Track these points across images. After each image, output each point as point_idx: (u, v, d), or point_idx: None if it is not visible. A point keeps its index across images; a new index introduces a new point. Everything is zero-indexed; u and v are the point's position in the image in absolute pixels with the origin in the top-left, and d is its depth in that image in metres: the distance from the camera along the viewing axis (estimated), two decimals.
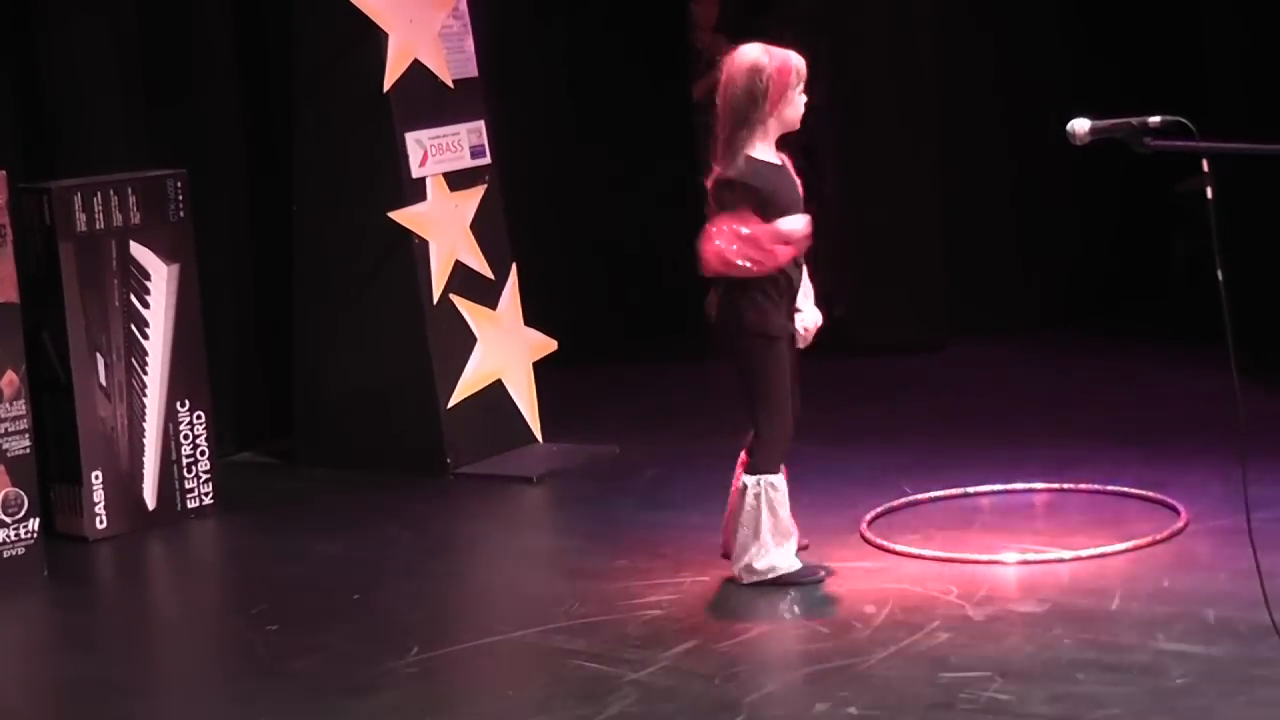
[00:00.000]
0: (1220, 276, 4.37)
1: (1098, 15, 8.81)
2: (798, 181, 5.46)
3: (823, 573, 5.44)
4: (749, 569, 5.41)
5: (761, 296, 5.35)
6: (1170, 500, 5.93)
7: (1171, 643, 4.83)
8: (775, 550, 5.41)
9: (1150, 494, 6.02)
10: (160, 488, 6.52)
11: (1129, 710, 4.43)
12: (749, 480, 5.42)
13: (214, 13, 7.37)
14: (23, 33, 6.86)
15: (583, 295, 8.62)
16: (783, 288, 5.39)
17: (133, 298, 6.47)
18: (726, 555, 5.52)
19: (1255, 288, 7.31)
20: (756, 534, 5.40)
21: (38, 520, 6.02)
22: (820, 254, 9.03)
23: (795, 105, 5.36)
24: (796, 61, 5.37)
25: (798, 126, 5.43)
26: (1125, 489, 6.10)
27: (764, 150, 5.36)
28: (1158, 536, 5.63)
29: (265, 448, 7.37)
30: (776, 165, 5.40)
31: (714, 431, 7.24)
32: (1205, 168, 4.36)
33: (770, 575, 5.41)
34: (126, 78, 7.09)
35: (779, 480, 5.45)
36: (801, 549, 5.57)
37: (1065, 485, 6.21)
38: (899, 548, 5.68)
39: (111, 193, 6.40)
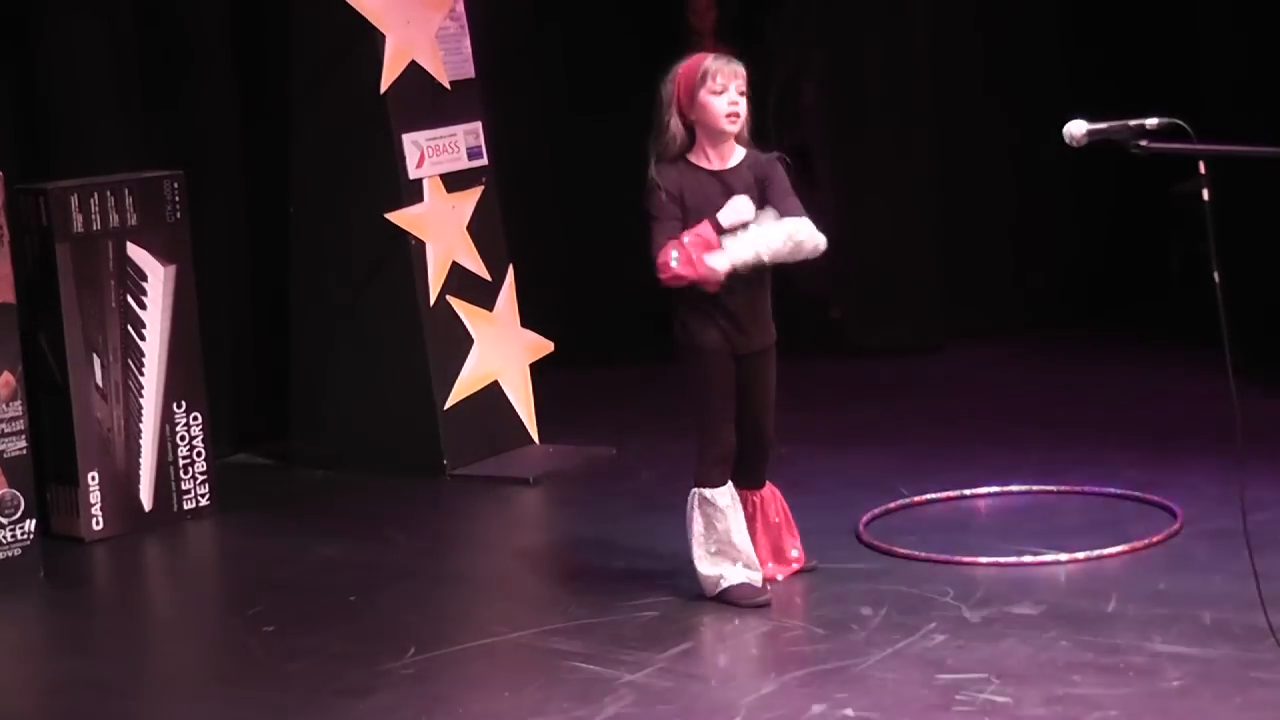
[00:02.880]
0: (1217, 278, 4.38)
1: (1094, 17, 8.82)
2: (732, 187, 5.25)
3: (762, 599, 5.30)
4: (698, 578, 5.35)
5: (688, 309, 5.29)
6: (1167, 502, 5.93)
7: (1168, 645, 4.83)
8: (710, 566, 5.32)
9: (1147, 496, 6.02)
10: (157, 489, 6.52)
11: (1125, 712, 4.43)
12: (693, 490, 5.37)
13: (211, 13, 7.37)
14: (20, 34, 6.86)
15: (580, 297, 8.62)
16: (718, 303, 5.25)
17: (129, 299, 6.47)
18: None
19: (1252, 289, 7.32)
20: (694, 544, 5.34)
21: (34, 521, 6.02)
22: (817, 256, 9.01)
23: (707, 107, 5.18)
24: (711, 62, 5.20)
25: (721, 128, 5.21)
26: (1122, 491, 6.10)
27: (697, 157, 5.25)
28: (1154, 539, 5.63)
29: (262, 449, 7.37)
30: (695, 169, 5.24)
31: None
32: (1202, 170, 4.36)
33: (709, 591, 5.33)
34: (123, 78, 7.09)
35: (719, 495, 5.33)
36: (808, 570, 5.54)
37: (1062, 487, 6.21)
38: (896, 549, 5.68)
39: (108, 194, 6.39)
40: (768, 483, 5.54)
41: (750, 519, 5.46)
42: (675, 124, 5.23)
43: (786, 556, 5.55)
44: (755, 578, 5.34)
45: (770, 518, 5.52)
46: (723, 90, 5.20)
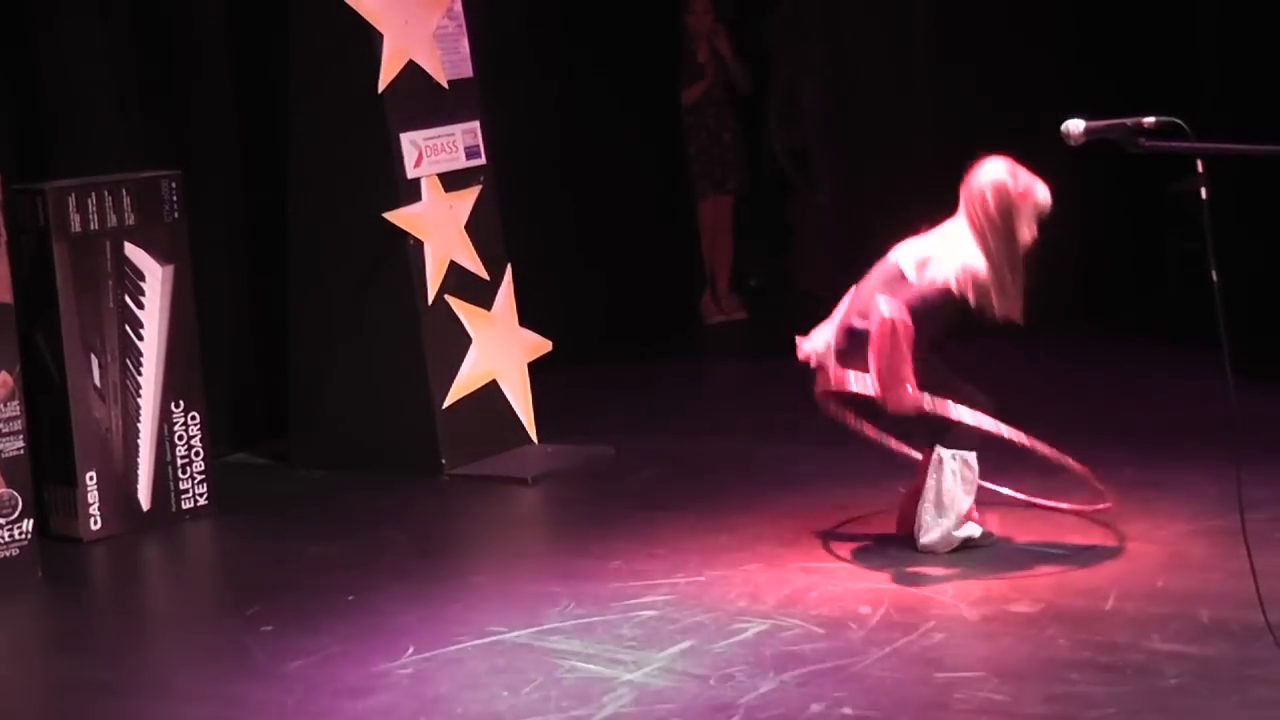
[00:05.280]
0: (1215, 277, 4.38)
1: (1092, 16, 8.82)
2: None
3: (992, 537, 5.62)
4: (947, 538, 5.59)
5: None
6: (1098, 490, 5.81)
7: (1165, 643, 4.83)
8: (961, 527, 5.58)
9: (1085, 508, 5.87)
10: (155, 489, 6.51)
11: (1123, 710, 4.43)
12: (953, 453, 5.53)
13: (208, 13, 7.37)
14: (18, 34, 6.85)
15: (577, 296, 8.62)
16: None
17: (127, 299, 6.47)
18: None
19: (1250, 288, 7.32)
20: (953, 506, 5.56)
21: (32, 521, 6.01)
22: (814, 254, 9.05)
23: (1024, 233, 5.56)
24: (1043, 196, 5.57)
25: (1019, 254, 5.55)
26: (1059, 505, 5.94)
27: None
28: (1088, 507, 5.67)
29: (260, 448, 7.37)
30: None
31: (708, 432, 7.26)
32: (1200, 168, 4.37)
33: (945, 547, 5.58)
34: (121, 78, 7.09)
35: (974, 460, 5.56)
36: None
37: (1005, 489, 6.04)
38: (858, 424, 5.72)
39: (106, 193, 6.39)
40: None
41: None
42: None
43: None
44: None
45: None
46: (1036, 224, 5.61)
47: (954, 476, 5.55)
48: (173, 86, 7.27)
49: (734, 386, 8.54)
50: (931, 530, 5.58)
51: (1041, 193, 5.60)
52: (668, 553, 5.79)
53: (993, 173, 5.59)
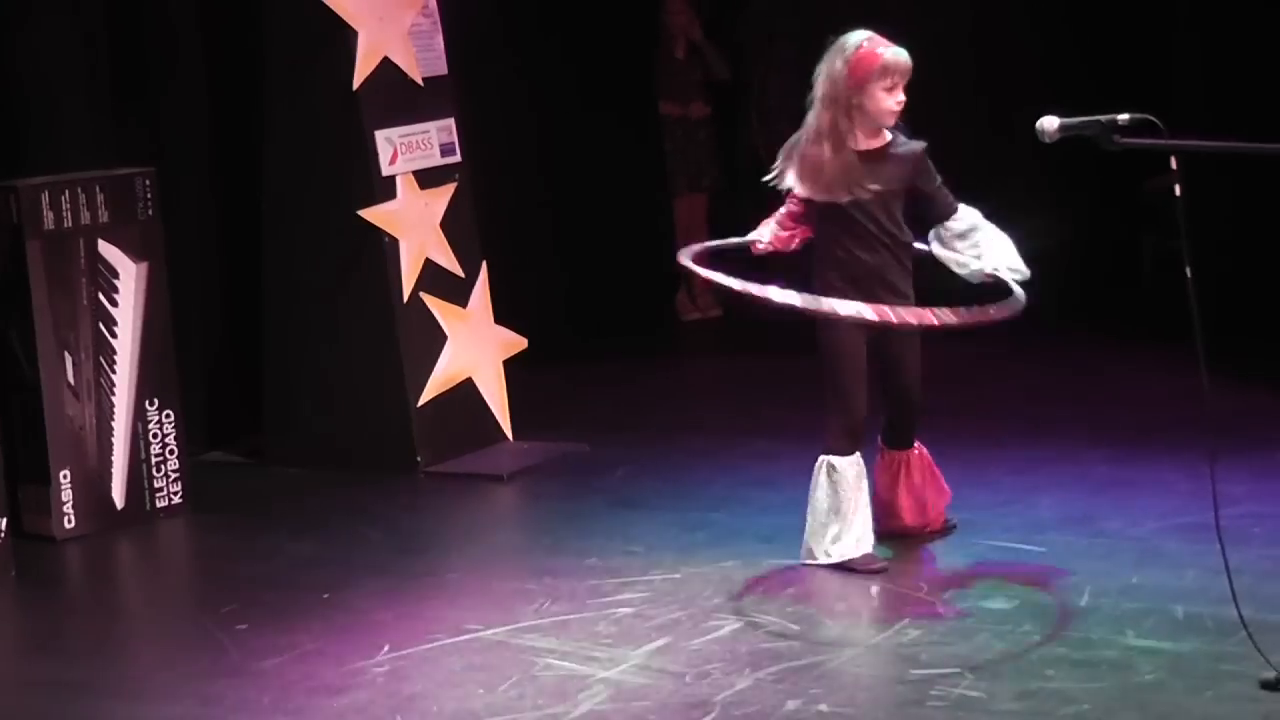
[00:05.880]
0: (1189, 273, 4.39)
1: (1069, 14, 8.84)
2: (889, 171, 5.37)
3: (878, 565, 5.45)
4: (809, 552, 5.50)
5: (818, 281, 5.40)
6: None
7: (1140, 639, 4.85)
8: (820, 541, 5.46)
9: None
10: (129, 487, 6.49)
11: (1098, 706, 4.45)
12: (821, 458, 5.45)
13: (182, 9, 7.35)
14: None
15: (553, 293, 8.61)
16: (850, 271, 5.40)
17: (101, 296, 6.44)
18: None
19: (1224, 284, 7.34)
20: (812, 514, 5.46)
21: (5, 520, 5.99)
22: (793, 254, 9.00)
23: (875, 99, 5.33)
24: (889, 56, 5.33)
25: (884, 123, 5.36)
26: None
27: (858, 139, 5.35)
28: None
29: (235, 446, 7.35)
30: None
31: (684, 429, 7.26)
32: (1174, 165, 4.38)
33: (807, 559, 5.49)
34: (95, 75, 7.07)
35: (847, 465, 5.43)
36: (950, 528, 5.70)
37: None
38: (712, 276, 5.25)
39: (79, 191, 6.37)
40: (916, 443, 5.67)
41: (895, 477, 5.64)
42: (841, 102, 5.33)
43: (928, 514, 5.70)
44: (867, 548, 5.45)
45: (914, 477, 5.68)
46: (893, 89, 5.35)
47: (817, 486, 5.43)
48: (147, 83, 7.25)
49: (710, 384, 8.54)
50: (811, 536, 5.47)
51: (889, 56, 5.33)
52: (644, 550, 5.78)
53: (837, 41, 5.43)
